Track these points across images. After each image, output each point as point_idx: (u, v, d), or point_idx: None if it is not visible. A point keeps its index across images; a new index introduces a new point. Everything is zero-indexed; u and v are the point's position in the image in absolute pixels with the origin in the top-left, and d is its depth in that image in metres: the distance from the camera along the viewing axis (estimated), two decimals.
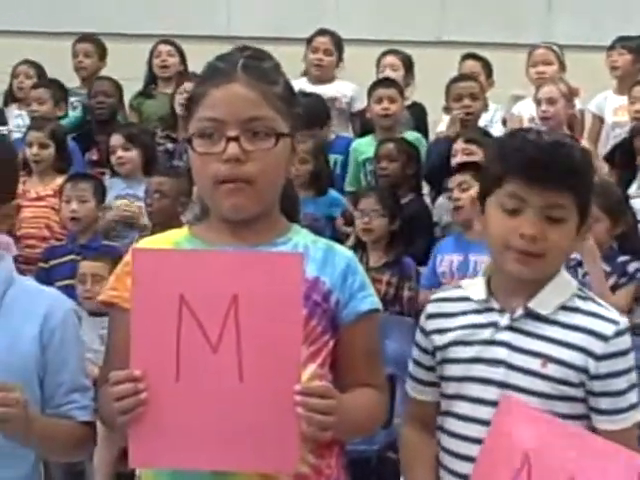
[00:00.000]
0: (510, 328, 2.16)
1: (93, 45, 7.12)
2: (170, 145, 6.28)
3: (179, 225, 4.94)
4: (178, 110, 6.19)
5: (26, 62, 7.11)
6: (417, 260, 5.28)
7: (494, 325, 2.17)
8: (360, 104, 6.59)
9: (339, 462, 2.12)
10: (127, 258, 2.11)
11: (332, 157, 6.17)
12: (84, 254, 5.23)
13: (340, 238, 5.25)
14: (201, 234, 2.14)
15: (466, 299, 2.22)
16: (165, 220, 5.39)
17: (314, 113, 5.73)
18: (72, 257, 5.33)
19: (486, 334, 2.17)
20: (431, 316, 2.26)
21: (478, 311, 2.20)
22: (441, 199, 5.66)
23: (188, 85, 6.20)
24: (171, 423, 1.89)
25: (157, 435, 1.89)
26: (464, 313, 2.21)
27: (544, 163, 2.07)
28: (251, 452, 1.89)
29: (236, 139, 2.01)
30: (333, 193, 5.92)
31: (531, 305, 2.15)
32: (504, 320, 2.17)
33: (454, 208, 5.11)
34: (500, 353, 2.15)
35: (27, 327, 2.13)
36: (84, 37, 7.21)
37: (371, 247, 5.24)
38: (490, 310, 2.19)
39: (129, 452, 1.90)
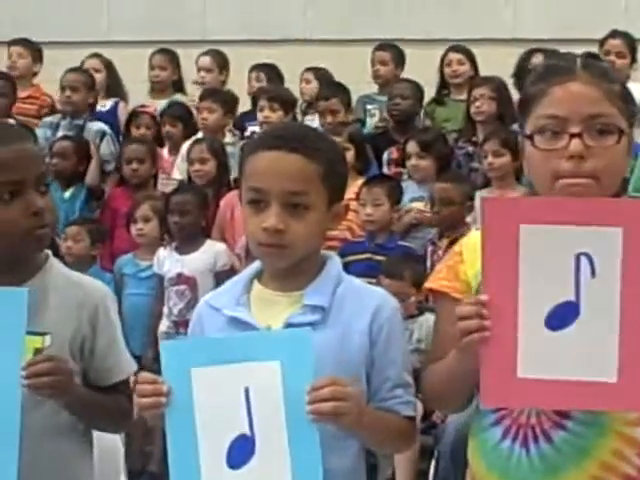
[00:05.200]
0: None
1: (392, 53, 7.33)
2: (470, 148, 6.37)
3: (465, 229, 5.10)
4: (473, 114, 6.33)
5: (311, 69, 7.42)
6: None
7: None
8: None
9: None
10: (457, 249, 2.22)
11: None
12: (380, 253, 5.46)
13: None
14: None
15: None
16: (451, 225, 5.58)
17: None
18: (368, 255, 5.57)
19: None
20: None
21: None
22: None
23: (478, 91, 6.38)
24: (532, 361, 1.95)
25: (510, 375, 1.94)
26: None
27: None
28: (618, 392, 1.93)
29: (579, 135, 2.04)
30: None
31: None
32: None
33: None
34: None
35: (357, 323, 2.18)
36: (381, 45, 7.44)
37: None
38: None
39: (481, 391, 1.97)
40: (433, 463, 4.74)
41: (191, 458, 2.02)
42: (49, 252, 2.38)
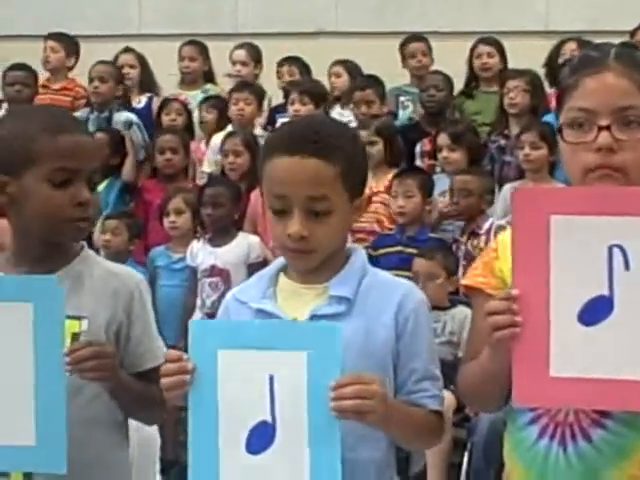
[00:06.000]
0: None
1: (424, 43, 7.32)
2: (503, 141, 6.35)
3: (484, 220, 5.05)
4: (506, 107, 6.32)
5: (340, 62, 7.43)
6: None
7: None
8: None
9: None
10: (493, 245, 2.21)
11: None
12: (412, 246, 5.46)
13: None
14: None
15: None
16: (470, 216, 5.60)
17: None
18: (400, 248, 5.56)
19: None
20: None
21: None
22: None
23: (512, 83, 6.36)
24: (565, 359, 1.90)
25: (542, 373, 1.90)
26: None
27: None
28: None
29: (607, 128, 2.00)
30: None
31: None
32: None
33: None
34: None
35: (382, 314, 2.17)
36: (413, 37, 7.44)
37: None
38: None
39: (513, 390, 1.93)
40: (466, 456, 4.74)
41: (211, 440, 2.02)
42: (84, 243, 2.41)
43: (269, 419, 2.01)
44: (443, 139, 6.08)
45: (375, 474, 2.18)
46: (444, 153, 6.07)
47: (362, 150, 2.32)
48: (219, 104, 6.98)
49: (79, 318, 2.27)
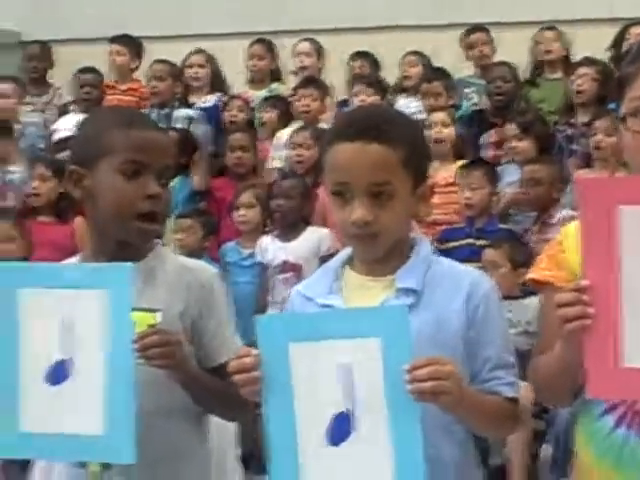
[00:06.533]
0: None
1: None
2: (570, 130, 6.31)
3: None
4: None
5: (414, 53, 7.44)
6: None
7: None
8: None
9: None
10: (558, 237, 2.17)
11: None
12: (482, 238, 5.43)
13: None
14: None
15: None
16: (541, 206, 5.54)
17: None
18: (470, 241, 5.55)
19: None
20: None
21: None
22: None
23: (582, 70, 6.30)
24: (637, 349, 1.86)
25: (615, 364, 1.87)
26: None
27: None
28: None
29: None
30: None
31: None
32: None
33: None
34: None
35: (451, 303, 2.15)
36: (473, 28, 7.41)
37: None
38: None
39: (586, 382, 1.90)
40: (545, 447, 4.70)
41: (288, 434, 2.01)
42: (158, 240, 2.45)
43: (347, 409, 1.99)
44: (511, 129, 6.06)
45: (454, 471, 2.16)
46: (512, 142, 6.04)
47: (423, 136, 2.30)
48: (279, 103, 7.00)
49: (154, 311, 2.28)
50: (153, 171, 2.32)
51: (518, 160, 6.00)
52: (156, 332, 2.19)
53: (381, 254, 2.17)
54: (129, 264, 2.19)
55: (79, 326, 2.16)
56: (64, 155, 6.29)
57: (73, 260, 2.45)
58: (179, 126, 6.82)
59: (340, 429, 2.00)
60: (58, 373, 2.17)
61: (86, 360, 2.15)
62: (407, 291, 2.15)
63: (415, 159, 2.16)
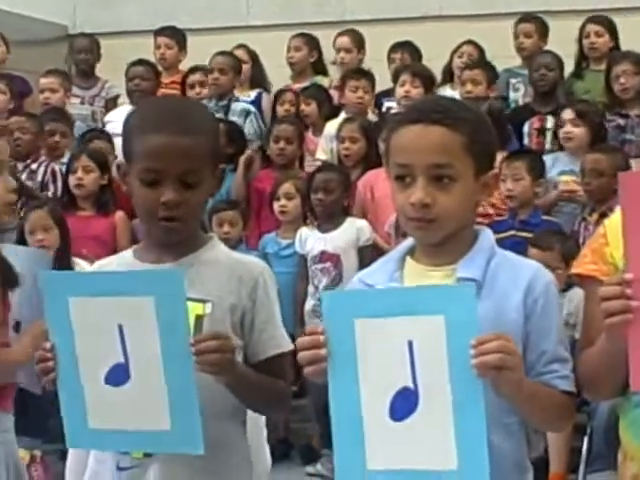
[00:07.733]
0: None
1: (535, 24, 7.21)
2: (621, 121, 6.24)
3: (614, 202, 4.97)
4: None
5: (469, 42, 7.39)
6: None
7: None
8: None
9: None
10: (601, 230, 2.17)
11: None
12: (525, 230, 5.38)
13: None
14: None
15: None
16: (602, 197, 5.47)
17: None
18: (513, 232, 5.50)
19: None
20: None
21: None
22: None
23: (619, 68, 6.21)
24: None
25: None
26: None
27: None
28: None
29: None
30: None
31: None
32: None
33: None
34: None
35: (511, 296, 2.16)
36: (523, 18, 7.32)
37: None
38: None
39: (630, 375, 1.90)
40: (586, 441, 4.65)
41: (353, 409, 2.02)
42: (213, 234, 2.49)
43: (411, 385, 2.00)
44: (568, 114, 6.00)
45: (511, 461, 2.17)
46: (567, 127, 5.98)
47: (488, 125, 2.27)
48: (317, 94, 7.00)
49: (204, 301, 2.31)
50: (171, 177, 2.29)
51: (569, 146, 5.94)
52: (215, 336, 2.19)
53: (439, 240, 2.16)
54: (182, 269, 2.22)
55: (134, 330, 2.18)
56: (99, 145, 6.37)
57: (125, 254, 2.47)
58: (235, 119, 6.86)
59: (403, 405, 2.01)
60: (118, 375, 2.20)
61: (144, 362, 2.18)
62: (468, 281, 2.13)
63: (479, 145, 2.15)
